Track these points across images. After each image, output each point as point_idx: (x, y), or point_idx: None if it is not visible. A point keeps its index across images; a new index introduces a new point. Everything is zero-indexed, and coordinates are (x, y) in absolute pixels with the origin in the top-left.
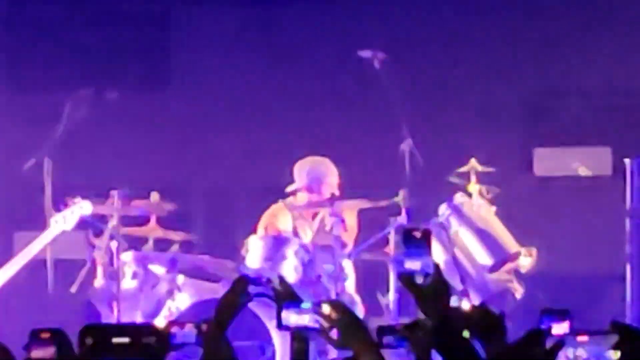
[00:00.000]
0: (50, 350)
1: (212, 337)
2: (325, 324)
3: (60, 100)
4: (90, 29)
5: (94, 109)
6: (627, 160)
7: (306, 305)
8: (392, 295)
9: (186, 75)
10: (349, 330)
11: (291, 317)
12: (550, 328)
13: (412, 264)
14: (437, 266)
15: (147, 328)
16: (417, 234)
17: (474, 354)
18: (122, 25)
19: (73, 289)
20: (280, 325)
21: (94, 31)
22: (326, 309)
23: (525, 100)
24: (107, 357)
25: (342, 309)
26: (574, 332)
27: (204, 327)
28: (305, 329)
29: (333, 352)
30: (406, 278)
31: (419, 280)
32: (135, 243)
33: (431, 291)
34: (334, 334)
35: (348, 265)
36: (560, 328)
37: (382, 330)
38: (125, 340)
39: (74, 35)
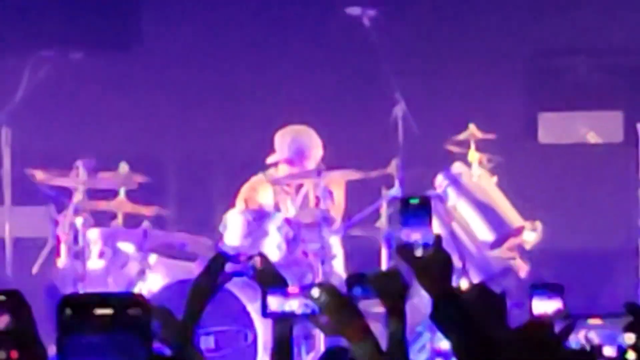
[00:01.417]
0: (4, 319)
1: (184, 330)
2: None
3: (19, 61)
4: None
5: (56, 71)
6: (639, 126)
7: (293, 289)
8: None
9: (159, 33)
10: (340, 316)
11: (277, 303)
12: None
13: (411, 235)
14: (437, 237)
15: (132, 298)
16: (415, 202)
17: (477, 332)
18: None
19: (34, 269)
20: (265, 313)
21: None
22: (316, 292)
23: (528, 60)
24: (88, 330)
25: (333, 292)
26: (583, 314)
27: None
28: (293, 315)
29: (321, 338)
30: (404, 250)
31: (418, 252)
32: (103, 219)
33: (432, 264)
34: (324, 319)
35: (336, 243)
36: (551, 305)
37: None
38: (108, 311)
39: None
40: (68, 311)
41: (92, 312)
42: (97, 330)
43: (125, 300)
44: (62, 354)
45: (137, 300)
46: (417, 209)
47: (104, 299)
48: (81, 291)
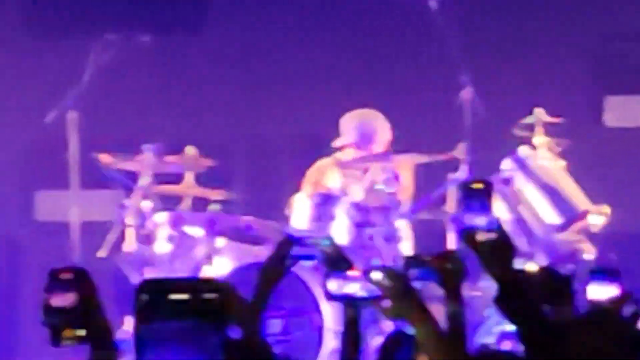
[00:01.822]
0: (70, 297)
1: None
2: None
3: (86, 45)
4: None
5: (123, 55)
6: None
7: (354, 272)
8: None
9: (226, 16)
10: (402, 300)
11: (338, 286)
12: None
13: (475, 220)
14: (500, 222)
15: (209, 283)
16: (478, 187)
17: (542, 317)
18: None
19: (101, 254)
20: (326, 295)
21: None
22: (376, 276)
23: (595, 43)
24: (163, 315)
25: (395, 276)
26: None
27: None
28: (353, 298)
29: (385, 323)
30: (468, 235)
31: (482, 237)
32: (170, 203)
33: (495, 249)
34: (385, 302)
35: (403, 226)
36: (608, 290)
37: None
38: (184, 296)
39: None
40: (144, 296)
41: (168, 297)
42: (173, 315)
43: (201, 286)
44: (138, 338)
45: (213, 285)
46: (479, 194)
47: (180, 283)
48: (148, 275)
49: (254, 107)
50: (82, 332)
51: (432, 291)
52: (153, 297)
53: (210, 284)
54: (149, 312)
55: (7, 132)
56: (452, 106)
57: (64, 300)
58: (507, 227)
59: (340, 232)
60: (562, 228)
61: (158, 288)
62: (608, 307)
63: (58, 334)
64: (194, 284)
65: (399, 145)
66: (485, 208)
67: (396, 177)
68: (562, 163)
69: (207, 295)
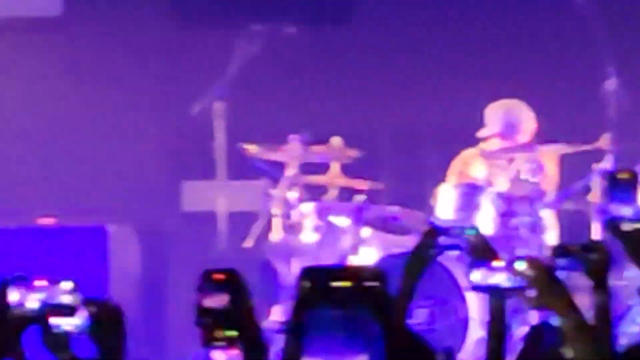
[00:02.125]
0: (223, 298)
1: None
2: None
3: (232, 36)
4: None
5: (269, 46)
6: None
7: (499, 263)
8: None
9: (371, 6)
10: (547, 290)
11: (482, 276)
12: None
13: (621, 210)
14: None
15: (371, 270)
16: (624, 178)
17: None
18: None
19: (247, 243)
20: (470, 285)
21: None
22: (521, 266)
23: None
24: (325, 302)
25: (539, 266)
26: None
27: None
28: (498, 289)
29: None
30: (614, 225)
31: (627, 227)
32: (316, 193)
33: None
34: (530, 292)
35: (548, 216)
36: None
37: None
38: (346, 284)
39: None
40: (306, 283)
41: (330, 284)
42: (334, 303)
43: (363, 273)
44: (298, 325)
45: (376, 272)
46: (625, 184)
47: (342, 271)
48: (294, 266)
49: (399, 97)
50: (233, 333)
51: (578, 281)
52: (315, 285)
53: (372, 272)
54: (310, 299)
55: (155, 123)
56: (597, 96)
57: (216, 301)
58: None
59: (485, 222)
60: None
61: (320, 275)
62: None
63: (210, 335)
64: (356, 272)
65: (544, 136)
66: (631, 198)
67: (541, 168)
68: None
69: (369, 284)
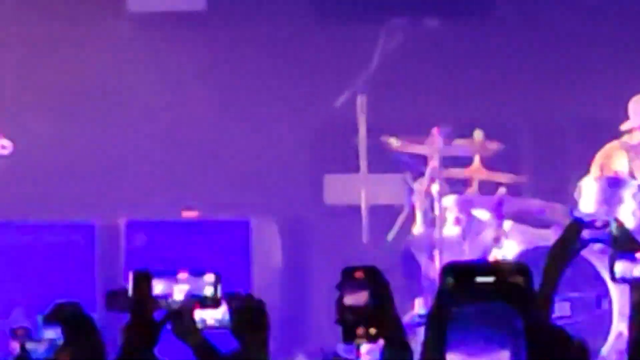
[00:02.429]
0: (363, 295)
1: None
2: None
3: (373, 30)
4: None
5: (411, 39)
6: None
7: None
8: None
9: (512, 1)
10: None
11: (624, 268)
12: None
13: None
14: None
15: (515, 265)
16: None
17: None
18: None
19: (389, 237)
20: (613, 277)
21: None
22: None
23: None
24: (469, 297)
25: None
26: None
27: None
28: None
29: None
30: None
31: None
32: (458, 186)
33: None
34: None
35: None
36: None
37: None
38: (490, 279)
39: None
40: (450, 279)
41: (474, 279)
42: (478, 298)
43: (508, 268)
44: (441, 320)
45: (519, 267)
46: None
47: (486, 266)
48: (437, 258)
49: (541, 90)
50: (374, 331)
51: None
52: (459, 280)
53: (516, 267)
54: (454, 294)
55: (298, 117)
56: None
57: (357, 298)
58: None
59: (628, 215)
60: None
61: (463, 270)
62: None
63: (351, 332)
64: (500, 267)
65: None
66: None
67: None
68: None
69: (513, 279)
